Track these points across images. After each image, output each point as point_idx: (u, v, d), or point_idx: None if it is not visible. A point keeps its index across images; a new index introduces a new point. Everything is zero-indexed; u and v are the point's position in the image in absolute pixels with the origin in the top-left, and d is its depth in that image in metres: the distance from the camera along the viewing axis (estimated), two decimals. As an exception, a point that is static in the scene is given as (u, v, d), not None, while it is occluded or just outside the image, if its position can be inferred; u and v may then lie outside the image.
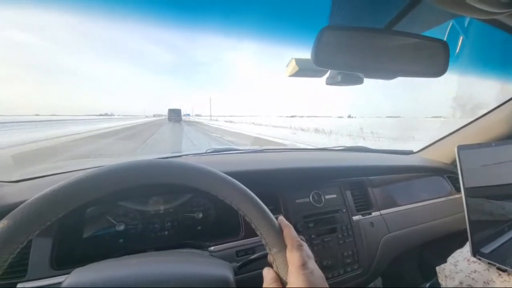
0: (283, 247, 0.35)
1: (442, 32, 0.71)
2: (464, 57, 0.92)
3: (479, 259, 0.62)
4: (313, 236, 0.76)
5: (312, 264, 0.33)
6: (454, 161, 0.66)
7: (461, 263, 0.66)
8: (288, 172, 0.83)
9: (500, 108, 1.01)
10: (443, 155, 1.18)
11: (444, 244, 1.00)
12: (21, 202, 0.30)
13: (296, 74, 0.64)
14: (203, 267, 0.42)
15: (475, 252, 0.63)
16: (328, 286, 0.33)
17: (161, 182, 0.37)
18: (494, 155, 0.72)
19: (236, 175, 0.41)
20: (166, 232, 0.68)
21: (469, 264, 0.65)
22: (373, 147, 1.38)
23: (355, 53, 0.47)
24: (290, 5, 0.66)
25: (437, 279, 0.72)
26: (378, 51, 0.48)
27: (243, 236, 0.68)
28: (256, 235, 0.37)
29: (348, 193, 0.89)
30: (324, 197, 0.84)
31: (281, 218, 0.39)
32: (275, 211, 0.74)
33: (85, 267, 0.40)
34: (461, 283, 0.63)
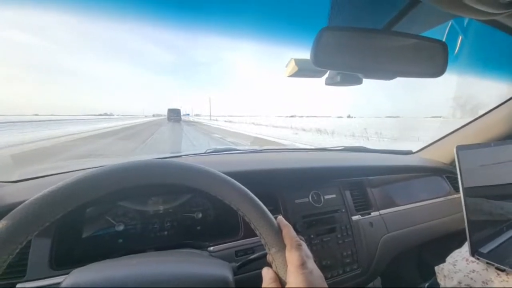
0: (282, 247, 0.35)
1: (441, 32, 0.71)
2: (463, 57, 0.92)
3: (478, 259, 0.63)
4: (312, 236, 0.76)
5: (311, 264, 0.34)
6: (453, 161, 0.66)
7: (459, 263, 0.67)
8: (287, 172, 0.83)
9: (499, 108, 1.01)
10: (442, 155, 1.19)
11: (443, 244, 1.00)
12: (20, 202, 0.30)
13: (295, 75, 0.64)
14: (203, 267, 0.42)
15: (474, 252, 0.63)
16: (327, 286, 0.33)
17: (160, 182, 0.37)
18: (493, 155, 0.72)
19: (235, 175, 0.41)
20: (166, 232, 0.68)
21: (467, 264, 0.65)
22: (373, 147, 1.38)
23: (354, 54, 0.47)
24: (289, 6, 0.66)
25: (435, 279, 0.72)
26: (377, 52, 0.48)
27: (242, 236, 0.68)
28: (256, 235, 0.37)
29: (347, 193, 0.89)
30: (323, 197, 0.84)
31: (280, 218, 0.39)
32: (275, 211, 0.74)
33: (84, 267, 0.40)
34: (459, 283, 0.64)
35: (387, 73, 0.51)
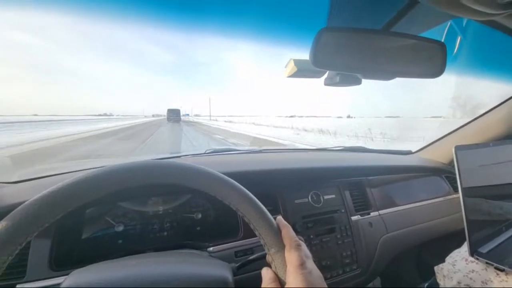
0: (281, 247, 0.35)
1: (440, 33, 0.71)
2: (462, 57, 0.93)
3: (477, 258, 0.63)
4: (312, 236, 0.77)
5: (310, 264, 0.34)
6: (452, 161, 0.66)
7: (459, 262, 0.67)
8: (287, 172, 0.83)
9: (497, 108, 1.01)
10: (441, 155, 1.19)
11: (442, 244, 1.00)
12: (20, 203, 0.30)
13: (294, 75, 0.65)
14: (202, 267, 0.42)
15: (473, 252, 0.64)
16: (326, 286, 0.33)
17: (159, 183, 0.37)
18: (492, 155, 0.72)
19: (235, 175, 0.41)
20: (165, 233, 0.68)
21: (467, 264, 0.65)
22: (373, 148, 1.39)
23: (353, 54, 0.47)
24: (289, 7, 0.67)
25: (435, 279, 0.72)
26: (376, 52, 0.48)
27: (242, 236, 0.68)
28: (255, 236, 0.37)
29: (347, 193, 0.89)
30: (323, 197, 0.84)
31: (280, 218, 0.39)
32: (274, 212, 0.74)
33: (84, 268, 0.40)
34: (459, 282, 0.64)
35: (386, 74, 0.51)
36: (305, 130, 20.39)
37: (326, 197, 0.84)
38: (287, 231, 0.36)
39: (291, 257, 0.33)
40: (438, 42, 0.50)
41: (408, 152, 1.34)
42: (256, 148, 1.28)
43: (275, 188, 0.79)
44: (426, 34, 0.59)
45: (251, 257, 0.47)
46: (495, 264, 0.59)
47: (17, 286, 0.48)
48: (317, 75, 0.64)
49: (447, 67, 0.52)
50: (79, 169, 0.76)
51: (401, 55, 0.49)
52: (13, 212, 0.30)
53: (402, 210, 0.98)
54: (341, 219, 0.83)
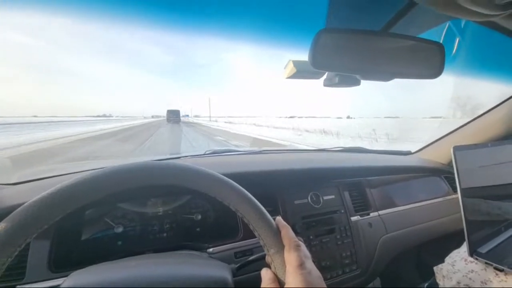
0: (281, 247, 0.35)
1: (438, 34, 0.71)
2: (461, 58, 0.93)
3: (476, 259, 0.63)
4: (311, 237, 0.77)
5: (310, 264, 0.34)
6: (451, 161, 0.66)
7: (458, 263, 0.67)
8: (286, 173, 0.83)
9: (496, 109, 1.02)
10: (440, 156, 1.19)
11: (441, 244, 1.00)
12: (19, 205, 0.30)
13: (294, 76, 0.65)
14: (202, 268, 0.42)
15: (472, 252, 0.64)
16: (325, 286, 0.33)
17: (159, 184, 0.37)
18: (490, 156, 0.72)
19: (234, 176, 0.41)
20: (165, 234, 0.68)
21: (466, 264, 0.65)
22: (372, 148, 1.39)
23: (352, 55, 0.47)
24: (288, 8, 0.67)
25: (435, 279, 0.72)
26: (375, 53, 0.48)
27: (241, 237, 0.68)
28: (255, 237, 0.37)
29: (346, 194, 0.89)
30: (322, 198, 0.84)
31: (279, 218, 0.39)
32: (274, 212, 0.74)
33: (83, 269, 0.40)
34: (458, 283, 0.64)
35: (385, 75, 0.52)
36: (307, 131, 19.99)
37: (325, 197, 0.84)
38: (287, 232, 0.36)
39: (290, 258, 0.33)
40: (436, 43, 0.51)
41: (408, 153, 1.34)
42: (255, 149, 1.28)
43: (274, 189, 0.79)
44: (424, 35, 0.60)
45: (251, 258, 0.47)
46: (494, 264, 0.60)
47: (17, 287, 0.48)
48: (316, 76, 0.64)
49: (446, 68, 0.52)
50: (78, 170, 0.76)
51: (400, 56, 0.50)
52: (12, 213, 0.30)
53: (402, 210, 0.98)
54: (341, 219, 0.83)
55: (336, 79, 0.58)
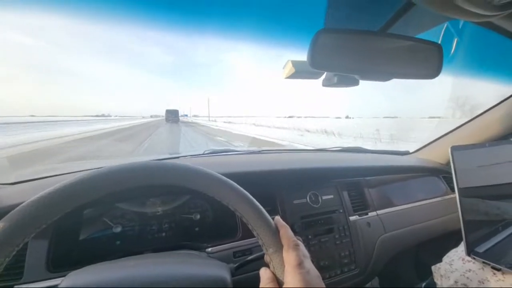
0: (279, 247, 0.35)
1: (437, 34, 0.72)
2: (459, 58, 0.93)
3: (474, 258, 0.63)
4: (310, 236, 0.77)
5: (308, 264, 0.34)
6: (449, 161, 0.66)
7: (456, 262, 0.67)
8: (285, 173, 0.83)
9: (494, 109, 1.02)
10: (438, 156, 1.20)
11: (440, 243, 1.01)
12: (18, 205, 0.30)
13: (292, 76, 0.65)
14: (201, 268, 0.42)
15: (470, 252, 0.64)
16: (324, 285, 0.33)
17: (158, 184, 0.37)
18: (488, 156, 0.73)
19: (233, 176, 0.41)
20: (164, 234, 0.68)
21: (464, 263, 0.65)
22: (372, 148, 1.39)
23: (350, 56, 0.48)
24: (287, 8, 0.67)
25: (432, 279, 0.73)
26: (373, 53, 0.48)
27: (240, 237, 0.68)
28: (254, 236, 0.37)
29: (345, 194, 0.89)
30: (321, 198, 0.84)
31: (278, 218, 0.39)
32: (272, 212, 0.74)
33: (81, 269, 0.40)
34: (456, 282, 0.64)
35: (383, 75, 0.52)
36: (308, 131, 19.58)
37: (324, 197, 0.85)
38: (285, 231, 0.37)
39: (289, 257, 0.33)
40: (434, 43, 0.51)
41: (406, 153, 1.35)
42: (254, 148, 1.28)
43: (273, 188, 0.79)
44: (423, 35, 0.60)
45: (250, 258, 0.47)
46: (492, 264, 0.60)
47: (15, 287, 0.48)
48: (315, 76, 0.64)
49: (444, 68, 0.52)
50: (76, 170, 0.75)
51: (398, 57, 0.50)
52: (10, 213, 0.30)
53: (400, 210, 0.98)
54: (339, 219, 0.83)
55: (335, 79, 0.58)
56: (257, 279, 0.36)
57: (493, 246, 0.67)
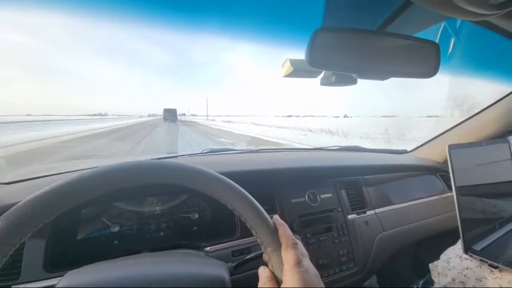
0: (278, 246, 0.35)
1: (434, 33, 0.72)
2: (457, 57, 0.94)
3: (471, 256, 0.63)
4: (308, 235, 0.77)
5: (307, 262, 0.34)
6: (447, 160, 0.67)
7: (453, 260, 0.68)
8: (283, 172, 0.83)
9: (491, 107, 1.03)
10: (436, 154, 1.20)
11: (437, 241, 1.02)
12: (13, 204, 0.30)
13: (291, 75, 0.65)
14: (199, 267, 0.42)
15: (467, 249, 0.64)
16: (322, 284, 0.33)
17: (155, 183, 0.37)
18: (484, 154, 0.73)
19: (231, 175, 0.41)
20: (162, 233, 0.68)
21: (461, 261, 0.66)
22: (369, 147, 1.40)
23: (348, 54, 0.48)
24: (285, 7, 0.67)
25: (430, 277, 0.73)
26: (371, 52, 0.48)
27: (238, 236, 0.68)
28: (252, 235, 0.37)
29: (343, 192, 0.90)
30: (320, 197, 0.84)
31: (276, 217, 0.39)
32: (271, 211, 0.74)
33: (79, 269, 0.39)
34: (453, 280, 0.64)
35: (381, 73, 0.52)
36: (310, 131, 19.19)
37: (322, 196, 0.85)
38: (284, 230, 0.37)
39: (287, 256, 0.33)
40: (432, 42, 0.51)
41: (403, 151, 1.35)
42: (253, 147, 1.28)
43: (272, 187, 0.79)
44: (420, 34, 0.60)
45: (248, 257, 0.47)
46: (489, 261, 0.60)
47: (12, 287, 0.48)
48: (313, 75, 0.64)
49: (441, 67, 0.52)
50: (73, 169, 0.75)
51: (396, 55, 0.50)
52: (6, 212, 0.29)
53: (398, 208, 0.99)
54: (338, 218, 0.84)
55: (333, 78, 0.58)
56: (255, 278, 0.36)
57: (490, 244, 0.68)
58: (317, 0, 0.52)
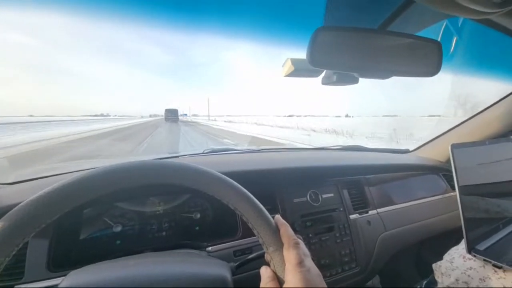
0: (280, 245, 0.35)
1: (436, 31, 0.72)
2: (459, 56, 0.93)
3: (475, 256, 0.63)
4: (310, 235, 0.77)
5: (309, 262, 0.34)
6: (449, 159, 0.66)
7: (457, 260, 0.67)
8: (285, 171, 0.83)
9: (494, 106, 1.02)
10: (438, 154, 1.20)
11: (440, 241, 1.01)
12: (16, 204, 0.30)
13: (292, 74, 0.65)
14: (201, 267, 0.42)
15: (471, 249, 0.64)
16: (325, 284, 0.33)
17: (157, 183, 0.37)
18: (488, 153, 0.73)
19: (233, 175, 0.41)
20: (164, 233, 0.68)
21: (464, 261, 0.65)
22: (371, 146, 1.39)
23: (349, 53, 0.47)
24: (286, 6, 0.67)
25: (433, 277, 0.73)
26: (372, 51, 0.48)
27: (240, 236, 0.68)
28: (254, 235, 0.37)
29: (345, 192, 0.89)
30: (321, 196, 0.84)
31: (278, 217, 0.39)
32: (273, 211, 0.74)
33: (81, 268, 0.40)
34: (457, 280, 0.64)
35: (383, 72, 0.52)
36: (314, 131, 18.70)
37: (324, 196, 0.85)
38: (286, 230, 0.36)
39: (289, 256, 0.33)
40: (434, 41, 0.51)
41: (406, 151, 1.35)
42: (254, 147, 1.28)
43: (273, 187, 0.79)
44: (422, 33, 0.60)
45: (250, 256, 0.47)
46: (493, 261, 0.60)
47: (15, 287, 0.48)
48: (314, 74, 0.64)
49: (443, 66, 0.52)
50: (76, 169, 0.75)
51: (398, 54, 0.50)
52: (9, 213, 0.30)
53: (400, 208, 0.98)
54: (340, 217, 0.83)
55: (334, 77, 0.58)
56: (257, 278, 0.36)
57: (494, 243, 0.67)
58: (318, -1, 0.52)
